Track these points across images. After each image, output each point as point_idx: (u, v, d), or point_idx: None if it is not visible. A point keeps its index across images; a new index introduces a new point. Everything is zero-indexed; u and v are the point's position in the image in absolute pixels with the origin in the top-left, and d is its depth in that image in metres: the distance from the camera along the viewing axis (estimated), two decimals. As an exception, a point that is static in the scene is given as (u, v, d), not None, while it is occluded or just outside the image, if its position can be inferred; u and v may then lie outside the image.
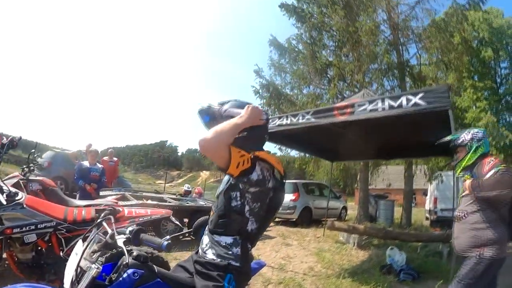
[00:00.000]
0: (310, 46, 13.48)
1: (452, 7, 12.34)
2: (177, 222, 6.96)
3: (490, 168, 3.01)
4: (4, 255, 3.74)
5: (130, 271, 1.64)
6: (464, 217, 3.20)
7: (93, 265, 1.59)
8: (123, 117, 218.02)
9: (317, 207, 13.50)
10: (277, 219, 13.31)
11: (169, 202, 8.37)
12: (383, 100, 5.06)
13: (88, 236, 1.86)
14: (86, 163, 7.66)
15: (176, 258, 5.41)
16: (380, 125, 6.19)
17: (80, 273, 1.65)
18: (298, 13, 13.83)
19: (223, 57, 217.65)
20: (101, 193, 7.77)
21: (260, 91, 13.49)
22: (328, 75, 13.76)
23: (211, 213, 1.95)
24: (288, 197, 12.60)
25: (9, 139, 4.44)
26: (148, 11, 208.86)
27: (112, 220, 1.90)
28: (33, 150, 6.03)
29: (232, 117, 1.83)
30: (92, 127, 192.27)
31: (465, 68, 20.46)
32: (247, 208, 1.83)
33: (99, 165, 7.86)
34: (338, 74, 13.26)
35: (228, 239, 1.82)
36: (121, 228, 1.91)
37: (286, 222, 12.80)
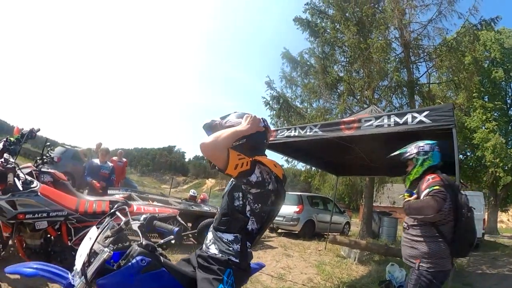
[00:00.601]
0: (321, 61, 13.64)
1: (464, 27, 12.40)
2: (183, 222, 7.07)
3: (426, 186, 3.08)
4: (11, 241, 3.86)
5: (138, 257, 1.75)
6: (406, 229, 3.32)
7: (106, 249, 1.71)
8: (134, 119, 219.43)
9: (321, 220, 13.49)
10: (280, 230, 13.37)
11: (174, 205, 8.46)
12: (389, 117, 5.17)
13: (102, 223, 1.97)
14: (96, 161, 7.79)
15: (177, 260, 5.50)
16: (386, 142, 6.27)
17: (92, 255, 1.76)
18: (311, 28, 14.04)
19: (236, 66, 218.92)
20: (109, 192, 7.93)
21: (271, 102, 13.68)
22: (338, 90, 13.90)
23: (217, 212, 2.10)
24: (292, 209, 12.66)
25: (29, 129, 4.58)
26: (168, 18, 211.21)
27: (127, 210, 2.04)
28: (48, 143, 6.17)
29: (232, 126, 1.98)
30: (102, 127, 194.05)
31: (475, 88, 20.48)
32: (248, 208, 1.95)
33: (109, 164, 8.00)
34: (348, 90, 13.42)
35: (230, 236, 1.93)
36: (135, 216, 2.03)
37: (289, 234, 12.83)
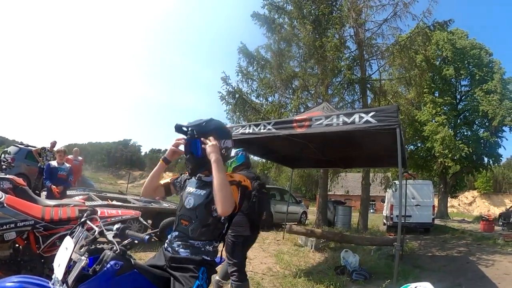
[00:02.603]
0: (277, 57, 13.85)
1: (417, 27, 12.91)
2: (145, 223, 7.22)
3: None
4: None
5: (112, 262, 1.92)
6: None
7: (82, 257, 1.89)
8: (86, 113, 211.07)
9: (278, 211, 13.91)
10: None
11: (134, 203, 8.50)
12: (338, 116, 5.53)
13: (74, 232, 2.10)
14: (54, 163, 7.76)
15: (140, 258, 5.65)
16: (338, 137, 6.68)
17: (70, 264, 1.91)
18: (269, 24, 14.19)
19: (193, 60, 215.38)
20: (68, 193, 7.92)
21: (226, 97, 13.76)
22: (293, 85, 14.19)
23: (184, 222, 2.25)
24: (249, 202, 12.91)
25: None
26: (119, 7, 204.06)
27: (98, 219, 2.24)
28: (7, 149, 6.09)
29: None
30: (54, 121, 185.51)
31: (426, 84, 21.55)
32: (223, 217, 2.20)
33: (67, 165, 7.96)
34: (303, 86, 13.78)
35: (205, 242, 2.21)
36: (107, 225, 2.22)
37: (248, 226, 13.08)
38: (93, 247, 2.07)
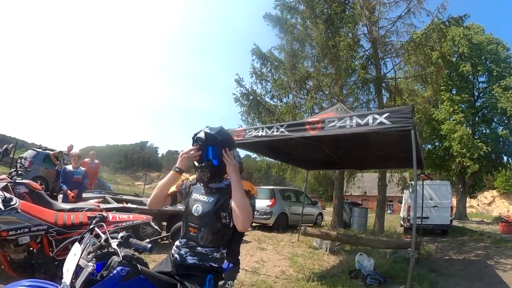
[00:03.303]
0: (291, 57, 13.84)
1: (432, 23, 12.77)
2: (156, 227, 7.27)
3: None
4: None
5: (119, 268, 1.94)
6: None
7: (90, 263, 1.92)
8: (105, 115, 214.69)
9: (293, 213, 13.85)
10: (253, 224, 13.65)
11: None
12: (351, 118, 5.46)
13: (83, 239, 2.14)
14: (69, 167, 7.85)
15: (154, 260, 5.68)
16: (352, 139, 6.60)
17: (78, 270, 1.94)
18: (281, 24, 14.21)
19: (207, 61, 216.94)
20: (84, 195, 8.02)
21: (241, 99, 13.79)
22: (307, 86, 14.14)
23: (192, 230, 2.24)
24: (265, 203, 12.99)
25: (3, 148, 4.69)
26: (137, 10, 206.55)
27: (105, 226, 2.25)
28: (23, 154, 6.19)
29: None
30: (72, 124, 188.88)
31: (443, 81, 21.21)
32: (232, 224, 2.19)
33: (82, 168, 8.06)
34: (316, 86, 13.73)
35: (212, 249, 2.21)
36: (113, 233, 2.24)
37: (263, 227, 13.16)
38: (105, 250, 2.12)
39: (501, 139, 26.65)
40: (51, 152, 12.25)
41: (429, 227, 14.10)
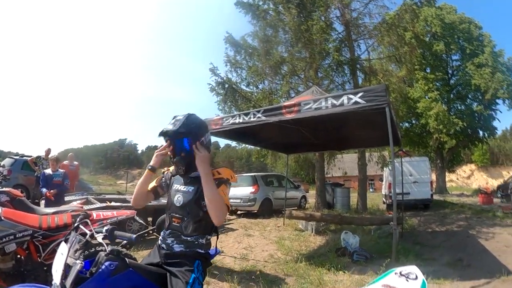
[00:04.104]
0: (264, 44, 13.77)
1: (405, 4, 12.86)
2: (141, 221, 7.28)
3: None
4: None
5: (107, 263, 1.94)
6: None
7: (77, 261, 1.92)
8: (80, 116, 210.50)
9: (277, 197, 13.97)
10: (239, 212, 13.75)
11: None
12: (326, 99, 5.55)
13: (68, 238, 2.14)
14: (48, 171, 7.80)
15: (143, 256, 5.69)
16: (329, 120, 6.69)
17: (67, 269, 1.94)
18: (253, 11, 14.11)
19: (180, 53, 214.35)
20: (66, 198, 7.94)
21: (216, 88, 13.75)
22: (282, 71, 14.13)
23: (176, 220, 2.27)
24: (248, 190, 13.11)
25: None
26: (107, 5, 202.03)
27: (89, 223, 2.27)
28: (2, 164, 6.06)
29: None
30: (47, 127, 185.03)
31: (417, 60, 21.54)
32: None
33: (61, 170, 8.00)
34: (291, 71, 13.75)
35: (197, 236, 2.25)
36: (97, 228, 2.25)
37: (248, 214, 13.26)
38: (92, 250, 2.10)
39: (476, 114, 27.42)
40: (29, 158, 12.02)
41: (411, 202, 14.45)
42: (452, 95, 29.26)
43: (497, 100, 26.94)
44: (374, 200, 20.07)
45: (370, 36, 13.85)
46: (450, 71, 30.36)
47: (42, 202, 8.31)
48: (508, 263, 5.95)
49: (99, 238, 2.04)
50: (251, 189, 13.23)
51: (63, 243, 2.10)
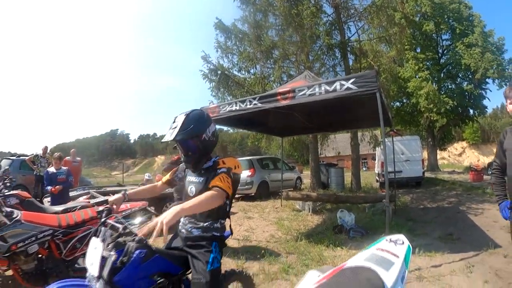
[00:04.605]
0: (254, 29, 13.81)
1: None
2: (152, 211, 7.49)
3: None
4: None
5: (137, 251, 2.15)
6: None
7: (111, 253, 2.11)
8: (69, 110, 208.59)
9: (273, 180, 14.28)
10: (236, 196, 13.98)
11: (136, 188, 8.73)
12: (320, 86, 5.76)
13: (97, 233, 2.31)
14: (51, 169, 7.83)
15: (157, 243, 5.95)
16: (322, 104, 6.89)
17: (103, 261, 2.13)
18: (242, -4, 14.01)
19: (168, 40, 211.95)
20: (70, 194, 8.08)
21: (209, 75, 13.81)
22: (274, 55, 14.22)
23: None
24: (245, 174, 13.29)
25: None
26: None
27: (115, 216, 2.50)
28: (7, 167, 6.05)
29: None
30: (37, 124, 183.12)
31: (407, 41, 21.70)
32: None
33: (64, 168, 8.02)
34: (283, 55, 13.85)
35: (210, 221, 2.49)
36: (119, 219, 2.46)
37: (246, 197, 13.52)
38: (119, 241, 2.26)
39: (466, 93, 27.68)
40: (27, 158, 11.96)
41: (403, 180, 14.79)
42: (442, 75, 29.46)
43: (487, 80, 27.15)
44: (368, 178, 20.42)
45: (360, 18, 13.88)
46: (440, 51, 30.50)
47: (46, 200, 8.41)
48: (496, 237, 6.21)
49: (134, 229, 2.25)
50: (247, 172, 13.46)
51: (94, 238, 2.27)
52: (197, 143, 2.43)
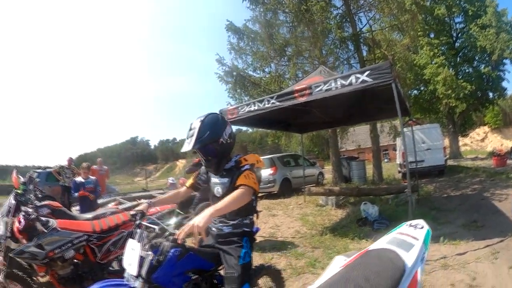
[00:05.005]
0: (266, 28, 13.85)
1: None
2: (182, 213, 7.63)
3: None
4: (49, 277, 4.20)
5: (172, 250, 2.28)
6: None
7: (149, 252, 2.24)
8: (88, 120, 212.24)
9: (295, 176, 14.25)
10: (260, 194, 14.04)
11: (159, 197, 8.91)
12: (335, 80, 5.84)
13: (133, 234, 2.42)
14: (79, 179, 8.06)
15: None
16: (339, 98, 6.97)
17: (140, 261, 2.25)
18: (250, -4, 14.07)
19: (184, 43, 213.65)
20: (98, 201, 8.30)
21: (225, 77, 13.93)
22: (288, 53, 14.29)
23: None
24: (267, 172, 13.37)
25: (28, 177, 4.96)
26: (109, 7, 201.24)
27: (149, 217, 2.60)
28: (37, 179, 6.23)
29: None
30: (58, 137, 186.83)
31: (419, 27, 21.37)
32: None
33: (92, 177, 8.26)
34: (296, 52, 13.88)
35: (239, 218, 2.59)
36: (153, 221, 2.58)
37: (269, 195, 13.55)
38: (154, 242, 2.38)
39: (484, 76, 26.92)
40: (52, 169, 12.27)
41: (425, 169, 14.59)
42: (458, 59, 28.74)
43: (504, 61, 26.49)
44: (390, 170, 20.21)
45: (369, 8, 13.86)
46: (454, 35, 29.78)
47: (74, 209, 8.63)
48: (521, 222, 6.15)
49: (171, 229, 2.32)
50: (269, 171, 13.50)
51: (130, 240, 2.38)
52: (215, 147, 2.50)
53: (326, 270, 2.00)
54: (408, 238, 1.99)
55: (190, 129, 2.50)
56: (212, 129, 2.48)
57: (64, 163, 11.55)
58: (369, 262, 1.69)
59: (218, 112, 2.71)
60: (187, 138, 2.49)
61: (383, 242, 1.98)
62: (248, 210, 2.58)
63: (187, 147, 2.45)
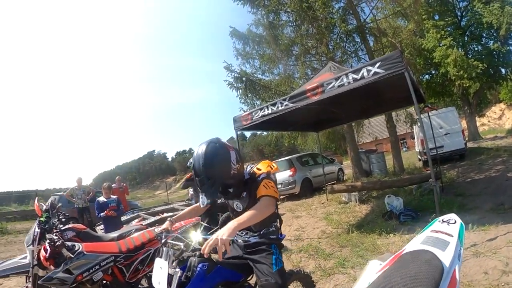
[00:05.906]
0: (269, 30, 13.77)
1: None
2: (206, 225, 7.64)
3: None
4: None
5: (200, 265, 2.27)
6: None
7: (177, 269, 2.23)
8: (104, 139, 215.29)
9: (315, 175, 14.19)
10: (281, 196, 14.02)
11: (182, 209, 8.96)
12: (347, 75, 5.79)
13: (159, 253, 2.42)
14: (102, 198, 8.07)
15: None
16: (352, 92, 6.89)
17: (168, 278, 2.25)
18: (251, 0, 14.00)
19: (190, 54, 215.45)
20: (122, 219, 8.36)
21: (234, 84, 13.95)
22: (294, 52, 14.21)
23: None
24: (287, 174, 13.36)
25: (50, 204, 5.04)
26: (115, 18, 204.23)
27: (181, 236, 2.57)
28: (60, 204, 6.32)
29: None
30: (75, 158, 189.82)
31: (423, 10, 21.11)
32: None
33: (113, 196, 8.29)
34: (303, 50, 13.82)
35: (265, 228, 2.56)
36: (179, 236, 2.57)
37: (291, 197, 13.53)
38: (181, 258, 2.40)
39: (494, 52, 26.26)
40: (65, 193, 12.47)
41: (446, 154, 14.40)
42: (466, 38, 28.12)
43: (512, 35, 25.85)
44: (409, 159, 19.98)
45: (370, -3, 13.71)
46: (458, 14, 29.27)
47: (98, 228, 8.72)
48: (548, 199, 5.96)
49: (196, 245, 2.33)
50: (289, 172, 13.48)
51: (157, 259, 2.37)
52: (230, 182, 2.38)
53: (361, 275, 1.95)
54: (442, 236, 1.94)
55: (197, 176, 2.32)
56: (219, 167, 2.31)
57: (75, 184, 11.72)
58: (406, 266, 1.63)
59: (215, 140, 2.43)
60: (200, 188, 2.33)
61: (417, 242, 1.92)
62: (272, 218, 2.54)
63: (206, 200, 2.31)
